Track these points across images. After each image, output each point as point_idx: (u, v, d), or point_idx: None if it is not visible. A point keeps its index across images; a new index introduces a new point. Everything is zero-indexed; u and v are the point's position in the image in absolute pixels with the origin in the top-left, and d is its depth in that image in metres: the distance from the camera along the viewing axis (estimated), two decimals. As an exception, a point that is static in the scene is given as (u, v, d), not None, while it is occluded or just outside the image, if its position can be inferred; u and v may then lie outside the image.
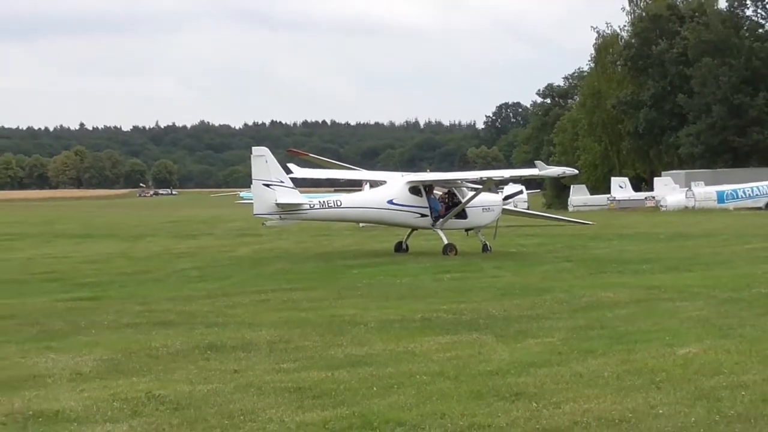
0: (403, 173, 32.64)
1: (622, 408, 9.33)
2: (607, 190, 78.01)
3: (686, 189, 70.39)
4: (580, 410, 9.27)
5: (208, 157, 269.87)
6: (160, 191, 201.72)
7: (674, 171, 78.75)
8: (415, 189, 30.22)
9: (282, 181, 29.13)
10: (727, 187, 69.23)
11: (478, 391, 10.11)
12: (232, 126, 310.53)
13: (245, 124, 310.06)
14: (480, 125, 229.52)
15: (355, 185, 45.59)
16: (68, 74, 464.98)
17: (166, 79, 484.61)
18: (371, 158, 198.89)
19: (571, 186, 79.23)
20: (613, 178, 79.21)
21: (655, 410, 9.26)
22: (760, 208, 66.03)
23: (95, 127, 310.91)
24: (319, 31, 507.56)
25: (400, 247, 30.81)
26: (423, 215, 30.03)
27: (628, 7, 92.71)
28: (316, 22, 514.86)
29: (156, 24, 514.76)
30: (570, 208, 74.72)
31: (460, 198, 30.33)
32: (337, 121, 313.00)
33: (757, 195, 68.51)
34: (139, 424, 9.07)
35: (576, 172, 40.48)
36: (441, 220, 30.03)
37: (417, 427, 8.77)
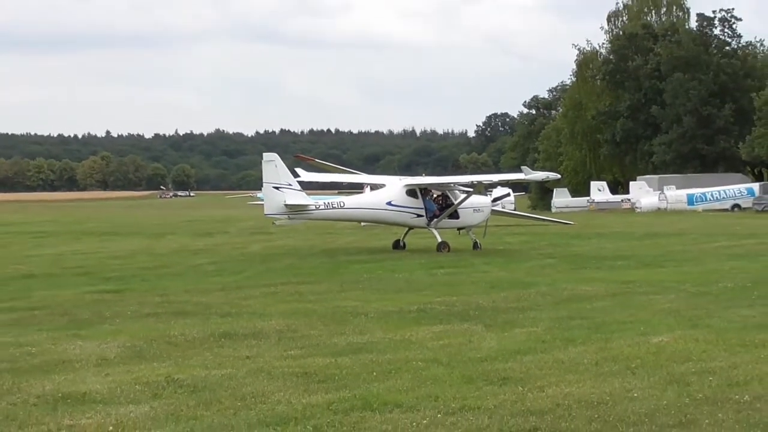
0: (401, 177, 32.64)
1: (600, 392, 9.33)
2: (587, 193, 77.91)
3: (659, 192, 70.44)
4: (561, 393, 9.27)
5: (223, 162, 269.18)
6: (179, 193, 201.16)
7: (648, 176, 78.69)
8: (411, 191, 30.22)
9: (290, 184, 29.14)
10: (696, 191, 69.27)
11: (469, 376, 10.11)
12: (245, 134, 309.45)
13: (257, 132, 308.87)
14: (471, 133, 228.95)
15: (357, 188, 45.62)
16: (95, 85, 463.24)
17: (185, 91, 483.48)
18: (372, 163, 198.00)
19: (554, 189, 79.14)
20: (592, 182, 79.15)
21: (630, 394, 9.26)
22: (726, 210, 66.12)
23: (120, 134, 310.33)
24: (325, 46, 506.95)
25: (397, 245, 30.80)
26: (419, 215, 30.03)
27: (606, 27, 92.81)
28: (323, 38, 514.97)
29: (176, 40, 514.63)
30: (553, 210, 74.62)
31: (453, 200, 30.32)
32: (340, 129, 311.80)
33: (723, 198, 68.57)
34: (159, 405, 9.06)
35: (558, 176, 40.56)
36: (435, 220, 30.02)
37: (413, 408, 8.76)
